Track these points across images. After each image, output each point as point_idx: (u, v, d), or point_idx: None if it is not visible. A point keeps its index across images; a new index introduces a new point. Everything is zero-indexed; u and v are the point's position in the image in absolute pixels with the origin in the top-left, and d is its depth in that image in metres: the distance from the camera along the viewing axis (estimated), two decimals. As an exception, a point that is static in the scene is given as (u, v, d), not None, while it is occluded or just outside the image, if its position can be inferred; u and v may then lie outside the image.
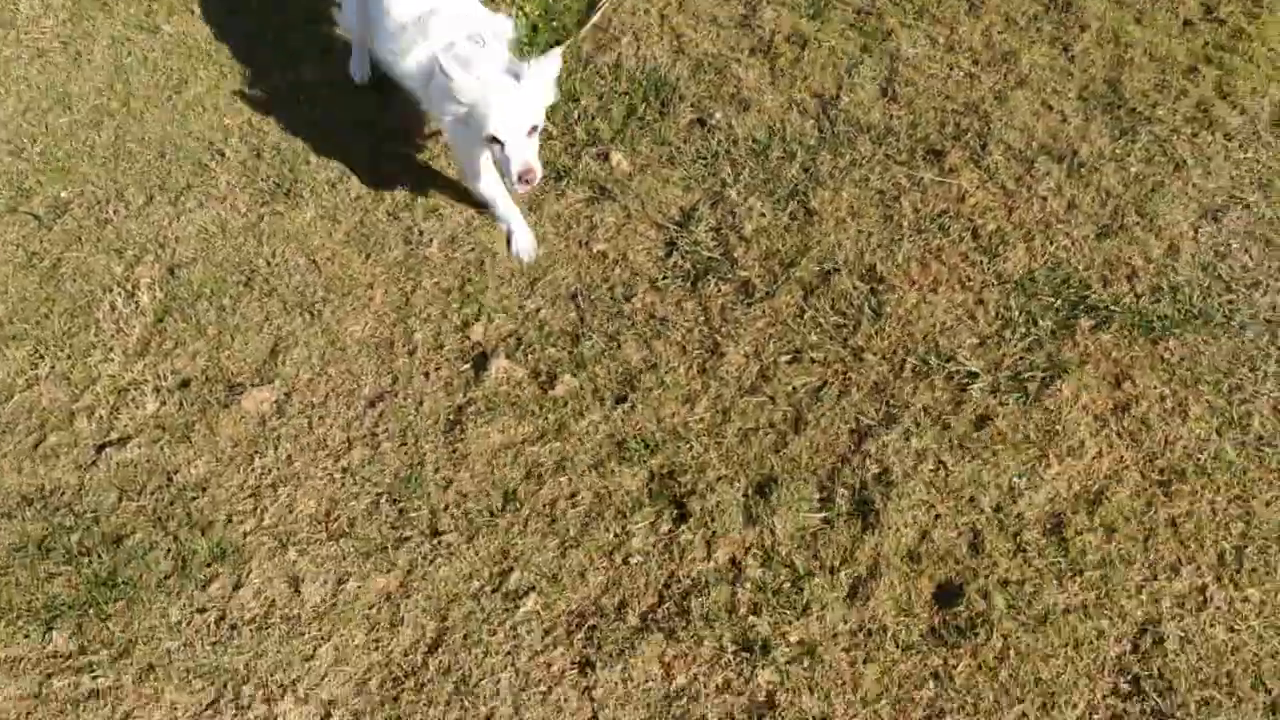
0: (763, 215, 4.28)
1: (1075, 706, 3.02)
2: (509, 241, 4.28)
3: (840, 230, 4.21)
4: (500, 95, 3.84)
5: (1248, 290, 3.98)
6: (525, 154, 3.89)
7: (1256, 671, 3.07)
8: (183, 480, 3.76)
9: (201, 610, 3.45)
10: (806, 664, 3.15)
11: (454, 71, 3.80)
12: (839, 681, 3.11)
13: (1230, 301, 3.94)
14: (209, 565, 3.54)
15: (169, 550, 3.59)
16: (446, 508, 3.60)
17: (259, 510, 3.66)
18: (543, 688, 3.18)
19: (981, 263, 4.09)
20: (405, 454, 3.75)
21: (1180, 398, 3.68)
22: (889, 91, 4.72)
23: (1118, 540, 3.34)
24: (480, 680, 3.22)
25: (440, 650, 3.29)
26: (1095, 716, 3.01)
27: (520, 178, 3.87)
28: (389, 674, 3.27)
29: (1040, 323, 3.88)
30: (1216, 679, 3.06)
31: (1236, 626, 3.16)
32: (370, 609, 3.41)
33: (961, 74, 4.79)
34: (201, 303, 4.27)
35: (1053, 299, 3.95)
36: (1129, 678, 3.07)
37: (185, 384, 4.03)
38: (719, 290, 4.06)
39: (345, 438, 3.82)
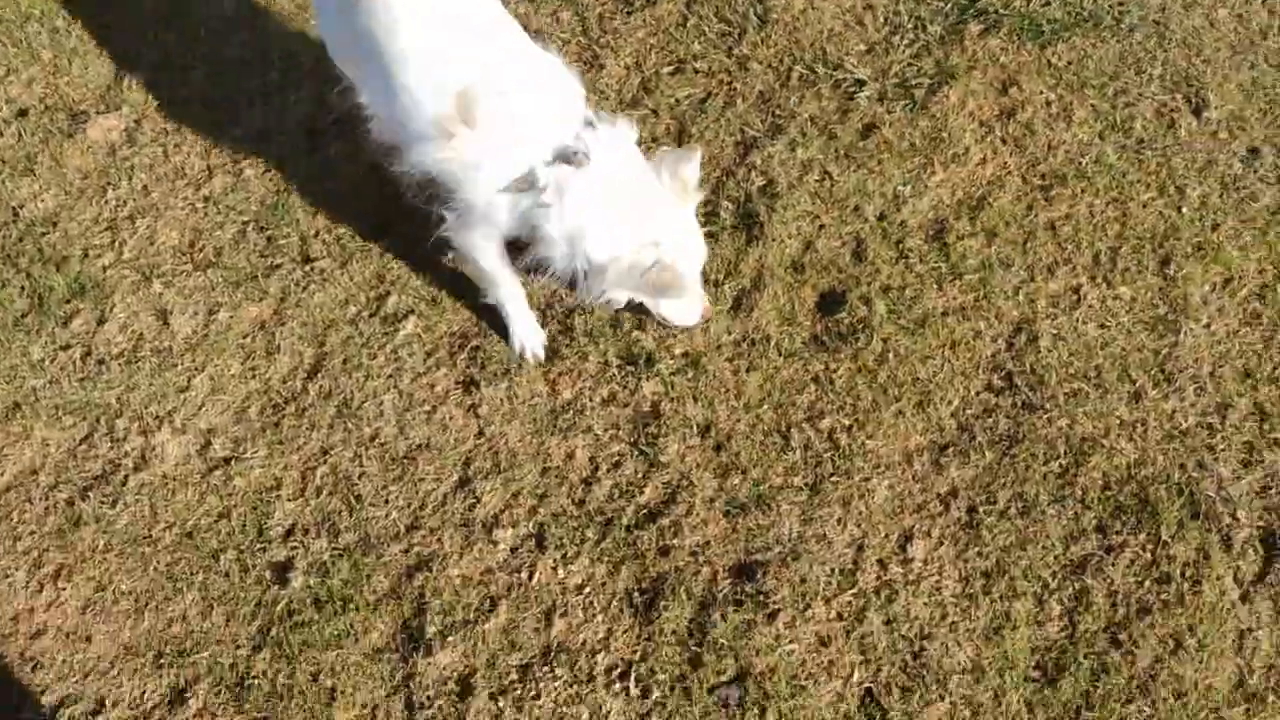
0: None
1: (950, 403, 3.10)
2: (508, 333, 3.21)
3: (726, -68, 3.95)
4: (685, 240, 2.88)
5: (1138, -12, 3.88)
6: (701, 292, 3.03)
7: (1123, 364, 3.17)
8: (30, 215, 3.52)
9: (65, 347, 3.30)
10: (691, 375, 3.16)
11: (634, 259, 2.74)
12: (722, 389, 3.14)
13: (1120, 3, 3.85)
14: (68, 301, 3.37)
15: (23, 288, 3.40)
16: (317, 234, 3.44)
17: (117, 243, 3.47)
18: (427, 407, 3.15)
19: (872, -34, 3.90)
20: (270, 181, 3.55)
21: (1065, 102, 3.63)
22: None
23: (997, 244, 3.36)
24: (363, 403, 3.17)
25: (320, 375, 3.22)
26: (968, 410, 3.10)
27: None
28: (268, 401, 3.20)
29: (929, 28, 3.76)
30: (1085, 372, 3.15)
31: (1107, 323, 3.24)
32: (244, 338, 3.30)
33: None
34: (31, 25, 3.91)
35: (942, 3, 3.82)
36: (1002, 374, 3.15)
37: (23, 113, 3.73)
38: (598, -2, 3.83)
39: (205, 165, 3.60)
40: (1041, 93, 3.64)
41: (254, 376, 3.24)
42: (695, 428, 3.08)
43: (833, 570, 2.87)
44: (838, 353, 3.18)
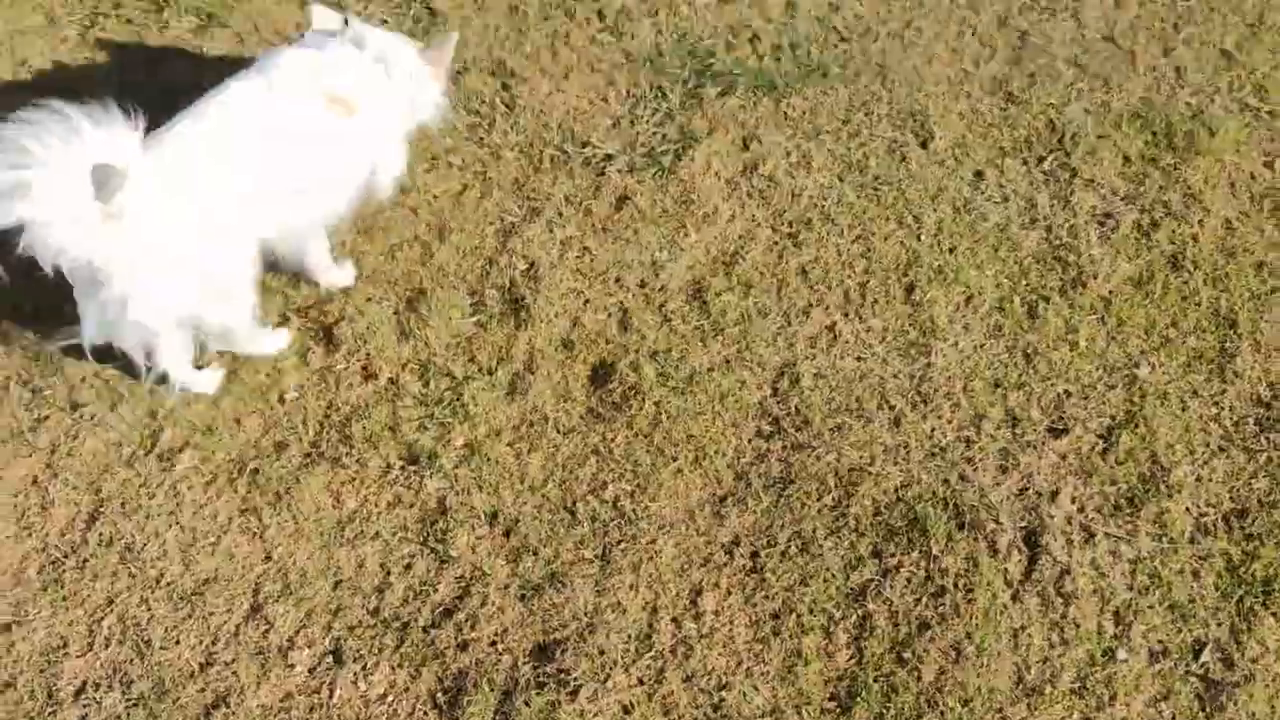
0: (384, 20, 4.08)
1: (724, 454, 3.22)
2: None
3: (465, 27, 4.07)
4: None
5: (860, 39, 4.14)
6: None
7: (882, 392, 3.34)
8: None
9: None
10: (473, 464, 3.20)
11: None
12: (506, 474, 3.19)
13: (846, 52, 4.10)
14: None
15: None
16: (85, 379, 3.39)
17: None
18: (211, 539, 3.12)
19: (610, 44, 4.07)
20: (32, 331, 3.48)
21: (804, 151, 3.84)
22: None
23: (754, 295, 3.51)
24: (145, 545, 3.12)
25: (99, 523, 3.16)
26: (742, 459, 3.22)
27: None
28: (47, 558, 3.12)
29: (669, 96, 3.93)
30: (847, 405, 3.31)
31: (863, 355, 3.41)
32: (17, 497, 3.21)
33: None
34: None
35: (680, 71, 4.00)
36: (770, 419, 3.29)
37: None
38: (345, 107, 3.88)
39: (-42, 325, 3.51)
40: (781, 144, 3.84)
41: (30, 535, 3.16)
42: (483, 517, 3.13)
43: (629, 637, 2.94)
44: (613, 422, 3.27)
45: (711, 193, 3.72)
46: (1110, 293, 3.59)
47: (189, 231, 2.88)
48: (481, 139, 3.82)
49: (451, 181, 3.74)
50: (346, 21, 3.25)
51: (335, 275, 3.45)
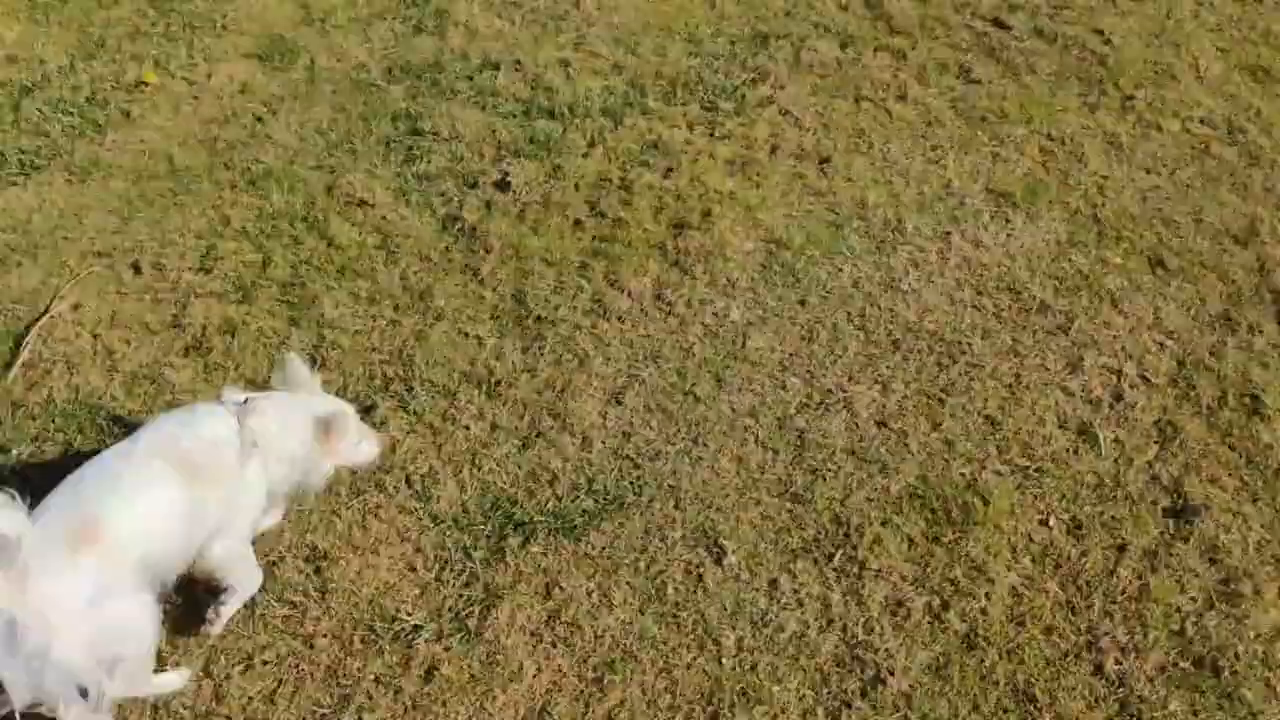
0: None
1: None
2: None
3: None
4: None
5: (651, 462, 4.42)
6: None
7: (695, 838, 3.34)
8: None
9: None
10: None
11: None
12: None
13: (639, 478, 4.36)
14: None
15: None
16: None
17: None
18: None
19: (417, 509, 4.30)
20: None
21: (605, 588, 4.01)
22: (318, 359, 4.93)
23: (562, 754, 3.56)
24: None
25: None
26: None
27: None
28: None
29: (474, 554, 4.13)
30: None
31: (673, 800, 3.43)
32: None
33: (384, 322, 5.09)
34: None
35: (484, 525, 4.22)
36: None
37: None
38: (161, 621, 4.03)
39: None
40: (582, 585, 4.02)
41: None
42: None
43: None
44: None
45: (517, 648, 3.84)
46: (910, 687, 3.68)
47: (81, 580, 3.25)
48: (295, 631, 3.96)
49: (266, 680, 3.83)
50: (247, 401, 3.79)
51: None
